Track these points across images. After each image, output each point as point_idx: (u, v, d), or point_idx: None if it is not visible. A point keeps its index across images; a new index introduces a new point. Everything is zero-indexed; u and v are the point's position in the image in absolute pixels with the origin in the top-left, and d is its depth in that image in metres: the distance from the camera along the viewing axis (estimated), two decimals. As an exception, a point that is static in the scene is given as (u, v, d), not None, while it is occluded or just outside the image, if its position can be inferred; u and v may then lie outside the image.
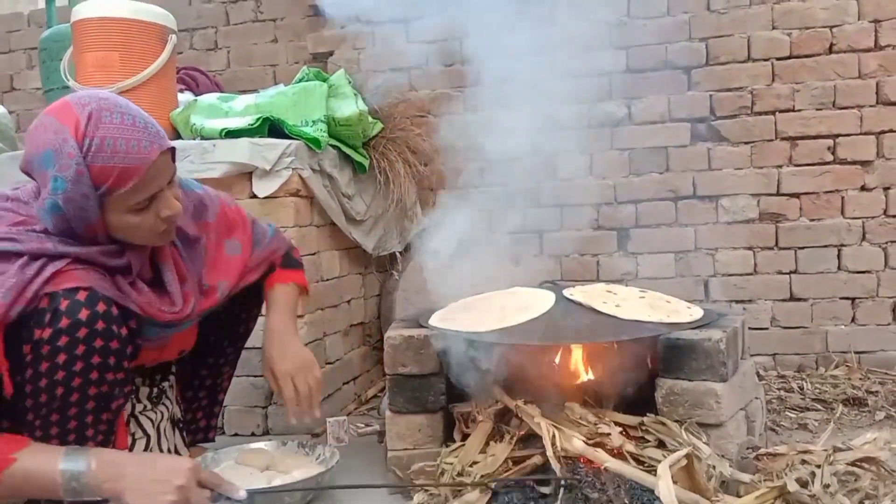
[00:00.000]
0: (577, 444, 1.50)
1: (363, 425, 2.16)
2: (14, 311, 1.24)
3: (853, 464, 1.46)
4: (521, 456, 1.57)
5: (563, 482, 1.44)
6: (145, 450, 1.58)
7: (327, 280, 2.44)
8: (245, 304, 1.78)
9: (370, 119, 2.55)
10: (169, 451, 1.66)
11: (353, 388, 2.60)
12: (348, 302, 2.62)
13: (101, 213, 1.33)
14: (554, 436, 1.50)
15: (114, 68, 2.30)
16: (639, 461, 1.49)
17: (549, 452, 1.47)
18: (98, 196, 1.30)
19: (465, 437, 1.70)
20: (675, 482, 1.35)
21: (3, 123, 2.77)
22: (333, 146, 2.43)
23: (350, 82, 2.55)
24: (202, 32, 3.47)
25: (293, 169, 2.18)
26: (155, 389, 1.65)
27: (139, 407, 1.59)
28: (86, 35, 2.32)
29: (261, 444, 1.84)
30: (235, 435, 2.22)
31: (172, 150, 1.39)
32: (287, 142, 2.20)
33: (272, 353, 1.67)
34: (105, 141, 1.29)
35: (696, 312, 1.74)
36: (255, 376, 2.23)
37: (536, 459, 1.55)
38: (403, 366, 1.73)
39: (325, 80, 2.50)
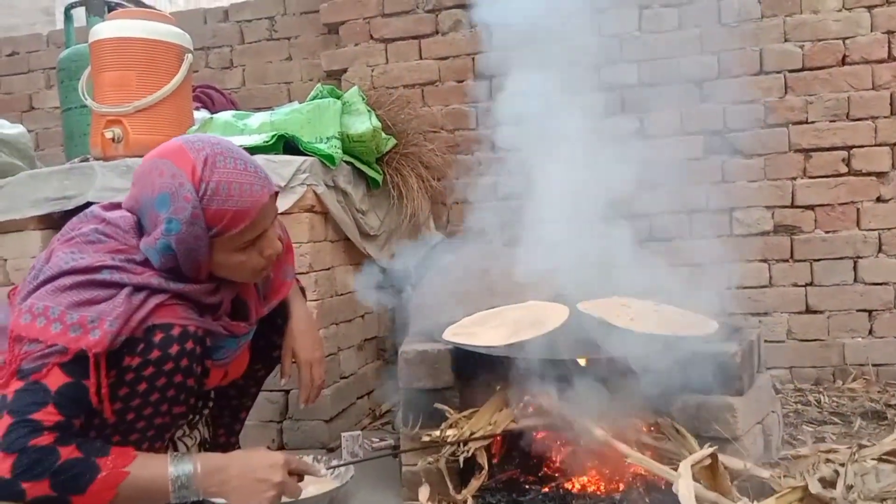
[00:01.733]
0: (598, 433, 1.49)
1: (378, 440, 2.17)
2: (119, 340, 1.28)
3: (880, 459, 1.44)
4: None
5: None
6: None
7: (342, 295, 2.46)
8: (282, 330, 1.78)
9: (384, 135, 2.56)
10: None
11: (367, 403, 2.60)
12: (362, 317, 2.63)
13: (209, 253, 1.37)
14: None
15: (131, 87, 2.34)
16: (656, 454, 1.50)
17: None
18: (210, 237, 1.35)
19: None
20: (697, 481, 1.34)
21: (22, 143, 2.81)
22: (347, 162, 2.45)
23: (364, 99, 2.57)
24: (217, 51, 3.52)
25: (308, 185, 2.20)
26: (196, 416, 1.67)
27: (179, 433, 1.61)
28: (103, 55, 2.36)
29: (276, 459, 1.84)
30: (251, 450, 2.23)
31: (276, 192, 1.45)
32: (302, 158, 2.22)
33: (301, 339, 1.71)
34: (220, 185, 1.34)
35: (710, 326, 1.73)
36: (271, 391, 2.24)
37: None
38: (418, 380, 1.73)
39: (338, 98, 2.52)
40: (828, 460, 1.46)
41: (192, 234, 1.33)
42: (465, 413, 1.68)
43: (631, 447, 1.50)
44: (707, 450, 1.40)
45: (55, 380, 1.24)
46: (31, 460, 1.20)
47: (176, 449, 1.59)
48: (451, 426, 1.65)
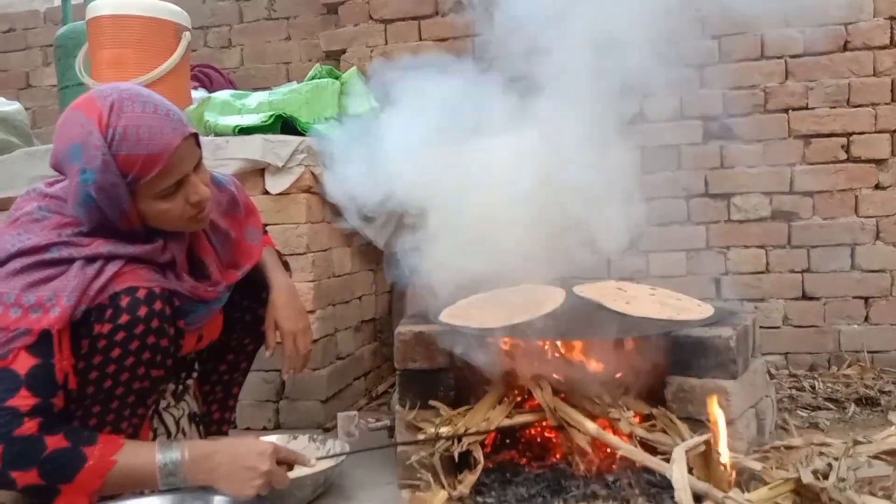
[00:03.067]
0: (591, 426, 1.50)
1: (373, 420, 2.17)
2: (79, 311, 1.29)
3: (875, 457, 1.44)
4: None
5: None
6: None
7: (339, 276, 2.46)
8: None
9: (382, 116, 2.55)
10: None
11: (363, 384, 2.61)
12: (359, 298, 2.64)
13: (132, 202, 1.35)
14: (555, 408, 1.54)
15: (128, 65, 2.33)
16: (648, 448, 1.50)
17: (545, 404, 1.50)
18: (127, 184, 1.33)
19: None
20: (690, 469, 1.34)
21: (19, 120, 2.80)
22: (345, 143, 2.44)
23: (363, 80, 2.56)
24: (216, 30, 3.50)
25: (305, 166, 2.20)
26: (180, 386, 1.68)
27: (163, 403, 1.61)
28: (101, 32, 2.35)
29: (272, 438, 1.85)
30: (247, 429, 2.24)
31: (196, 135, 1.41)
32: (300, 139, 2.21)
33: (283, 310, 1.70)
34: (129, 130, 1.30)
35: (706, 310, 1.74)
36: (267, 371, 2.25)
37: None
38: (413, 361, 1.74)
39: (337, 78, 2.51)
40: (821, 453, 1.46)
41: (108, 181, 1.31)
42: (460, 410, 1.67)
43: (624, 438, 1.50)
44: (701, 437, 1.40)
45: (23, 363, 1.25)
46: (18, 451, 1.23)
47: (162, 421, 1.59)
48: (446, 422, 1.64)
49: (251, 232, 1.69)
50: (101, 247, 1.35)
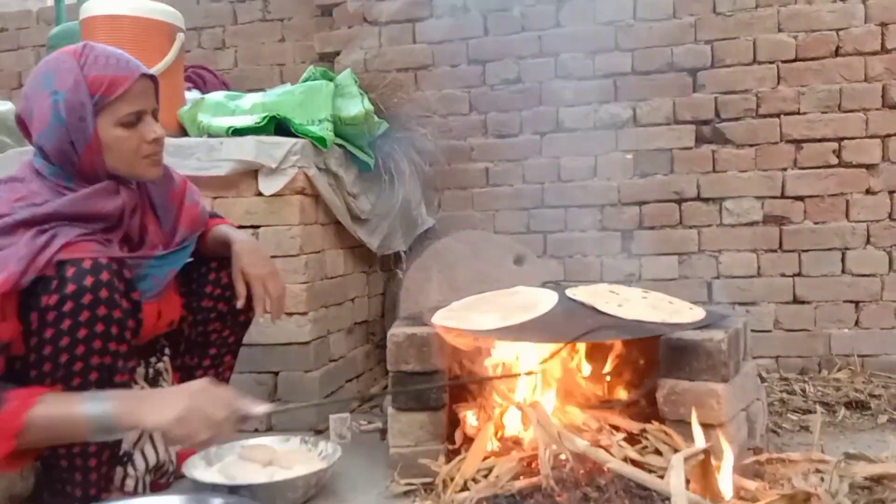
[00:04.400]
0: (580, 443, 1.50)
1: (366, 422, 2.16)
2: (26, 279, 1.31)
3: (872, 479, 1.44)
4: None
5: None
6: (139, 437, 1.61)
7: (332, 278, 2.46)
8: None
9: (376, 119, 2.56)
10: None
11: (356, 386, 2.61)
12: (352, 300, 2.64)
13: (95, 126, 1.44)
14: (548, 447, 1.50)
15: (122, 66, 2.31)
16: (641, 467, 1.49)
17: (544, 467, 1.46)
18: (93, 105, 1.43)
19: (466, 438, 1.73)
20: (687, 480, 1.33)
21: (11, 120, 2.79)
22: (339, 145, 2.44)
23: (356, 82, 2.56)
24: (210, 31, 3.49)
25: (299, 167, 2.19)
26: (151, 370, 1.68)
27: (136, 388, 1.61)
28: (94, 32, 2.34)
29: (264, 440, 1.85)
30: (239, 431, 2.23)
31: (156, 84, 1.55)
32: (293, 140, 2.21)
33: (247, 257, 1.71)
34: (99, 56, 1.46)
35: (697, 313, 1.75)
36: (259, 373, 2.24)
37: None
38: (406, 363, 1.74)
39: (331, 80, 2.51)
40: (818, 470, 1.46)
41: (77, 100, 1.42)
42: (454, 462, 1.63)
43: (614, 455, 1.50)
44: (700, 447, 1.38)
45: None
46: None
47: None
48: (443, 484, 1.58)
49: (193, 193, 1.75)
50: (54, 201, 1.41)
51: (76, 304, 1.34)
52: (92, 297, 1.35)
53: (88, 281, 1.35)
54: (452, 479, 1.56)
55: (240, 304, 1.71)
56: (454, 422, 1.77)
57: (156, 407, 1.31)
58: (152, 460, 1.63)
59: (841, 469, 1.42)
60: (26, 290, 1.33)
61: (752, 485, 1.45)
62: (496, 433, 1.71)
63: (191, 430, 1.30)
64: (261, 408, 1.43)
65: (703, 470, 1.37)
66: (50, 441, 1.35)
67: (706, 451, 1.36)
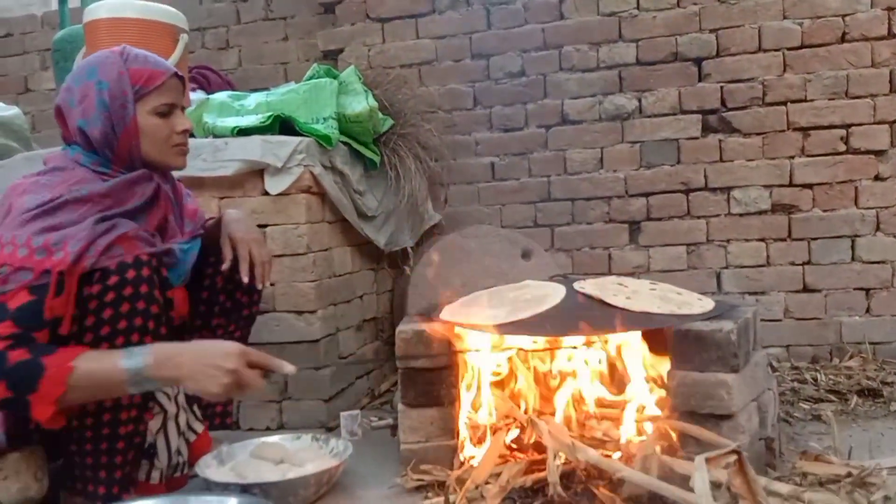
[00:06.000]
0: (591, 453, 1.49)
1: (376, 419, 2.18)
2: (88, 262, 1.39)
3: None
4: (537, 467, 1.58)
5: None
6: (162, 426, 1.64)
7: (340, 276, 2.46)
8: (246, 289, 1.83)
9: (380, 115, 2.56)
10: (184, 427, 1.71)
11: (366, 383, 2.62)
12: (361, 297, 2.64)
13: (134, 112, 1.55)
14: (557, 455, 1.49)
15: (126, 68, 2.32)
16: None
17: (552, 475, 1.45)
18: (134, 93, 1.55)
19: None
20: (728, 486, 1.30)
21: (18, 124, 2.80)
22: (344, 143, 2.44)
23: (360, 79, 2.56)
24: (213, 31, 3.50)
25: (305, 166, 2.20)
26: None
27: None
28: (98, 35, 2.35)
29: (275, 438, 1.85)
30: (250, 429, 2.24)
31: (184, 84, 1.66)
32: (298, 139, 2.21)
33: (233, 224, 1.79)
34: (138, 55, 1.60)
35: (706, 304, 1.74)
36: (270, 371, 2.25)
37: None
38: (415, 359, 1.74)
39: (335, 77, 2.51)
40: (864, 482, 1.41)
41: (120, 88, 1.54)
42: (465, 467, 1.63)
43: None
44: (728, 447, 1.34)
45: (18, 300, 1.34)
46: None
47: (157, 402, 1.62)
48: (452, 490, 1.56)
49: (187, 196, 1.82)
50: (100, 184, 1.50)
51: (118, 296, 1.40)
52: (132, 290, 1.41)
53: (130, 274, 1.41)
54: (464, 483, 1.55)
55: (225, 266, 1.75)
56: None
57: (199, 380, 1.39)
58: (171, 451, 1.65)
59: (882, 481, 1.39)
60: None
61: (784, 488, 1.40)
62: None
63: (201, 381, 1.39)
64: (288, 367, 1.51)
65: (741, 473, 1.32)
66: (90, 398, 1.40)
67: (738, 452, 1.33)
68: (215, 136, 2.29)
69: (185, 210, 1.77)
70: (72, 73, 1.62)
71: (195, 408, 1.77)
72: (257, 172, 2.22)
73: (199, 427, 1.76)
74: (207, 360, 1.40)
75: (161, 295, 1.49)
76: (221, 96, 2.52)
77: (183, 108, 1.67)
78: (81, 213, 1.44)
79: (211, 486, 1.59)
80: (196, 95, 2.63)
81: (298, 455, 1.74)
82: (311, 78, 2.53)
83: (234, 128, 2.26)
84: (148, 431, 1.59)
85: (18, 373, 1.30)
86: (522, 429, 1.71)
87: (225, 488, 1.57)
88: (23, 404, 1.32)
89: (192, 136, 2.07)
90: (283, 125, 2.29)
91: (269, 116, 2.26)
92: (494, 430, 1.72)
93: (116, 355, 1.38)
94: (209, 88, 2.96)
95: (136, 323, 1.42)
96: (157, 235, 1.60)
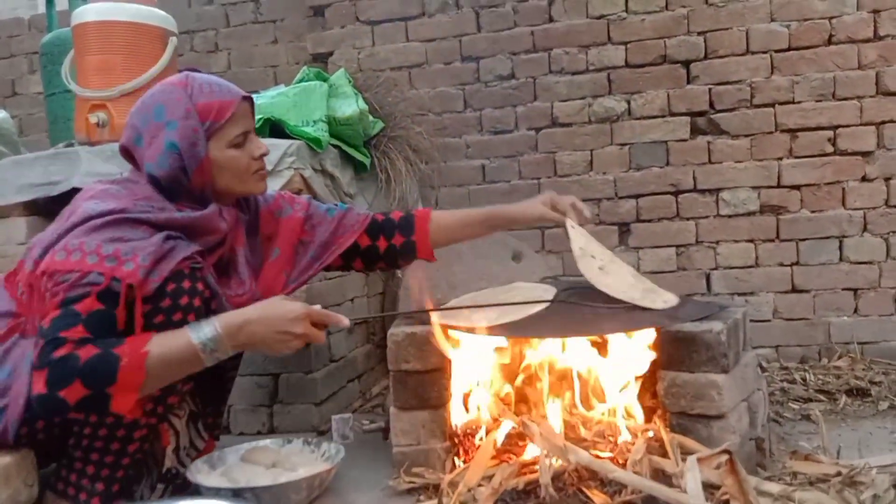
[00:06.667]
0: (583, 455, 1.49)
1: (368, 422, 2.18)
2: (153, 284, 1.37)
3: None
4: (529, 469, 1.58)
5: None
6: (175, 447, 1.64)
7: (331, 279, 2.45)
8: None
9: (371, 118, 2.56)
10: (192, 445, 1.72)
11: (357, 386, 2.61)
12: (352, 300, 2.63)
13: (207, 150, 1.51)
14: (550, 463, 1.49)
15: (115, 71, 2.31)
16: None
17: (544, 477, 1.45)
18: (205, 130, 1.51)
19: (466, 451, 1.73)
20: (717, 485, 1.31)
21: (6, 128, 2.78)
22: (335, 146, 2.44)
23: (350, 82, 2.56)
24: (202, 34, 3.49)
25: (295, 169, 2.19)
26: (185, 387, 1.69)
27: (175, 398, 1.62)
28: (86, 39, 2.34)
29: (266, 442, 1.85)
30: (241, 434, 2.24)
31: (252, 104, 1.62)
32: (288, 142, 2.21)
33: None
34: (203, 85, 1.54)
35: (670, 300, 1.73)
36: (260, 375, 2.24)
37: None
38: (406, 362, 1.74)
39: (325, 80, 2.50)
40: (853, 481, 1.43)
41: (190, 126, 1.49)
42: (458, 471, 1.61)
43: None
44: (720, 448, 1.37)
45: (88, 306, 1.33)
46: (58, 370, 1.28)
47: (171, 423, 1.62)
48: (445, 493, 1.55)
49: (285, 209, 1.79)
50: (173, 212, 1.48)
51: (166, 319, 1.39)
52: (181, 316, 1.41)
53: (184, 301, 1.41)
54: (456, 486, 1.55)
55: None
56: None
57: (271, 345, 1.44)
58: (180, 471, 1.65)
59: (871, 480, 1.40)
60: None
61: (775, 488, 1.42)
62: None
63: (274, 346, 1.44)
64: (345, 321, 1.53)
65: (733, 474, 1.34)
66: (169, 379, 1.41)
67: (730, 452, 1.34)
68: (205, 140, 2.28)
69: (280, 228, 1.74)
70: (136, 109, 1.56)
71: (199, 424, 1.77)
72: (247, 176, 2.21)
73: (201, 444, 1.75)
74: (278, 326, 1.42)
75: (209, 310, 1.47)
76: (211, 99, 2.50)
77: (256, 131, 1.64)
78: (146, 230, 1.42)
79: (202, 491, 1.58)
80: (185, 99, 2.62)
81: (290, 459, 1.74)
82: (300, 81, 2.53)
83: (224, 131, 2.25)
84: (166, 457, 1.60)
85: (94, 368, 1.29)
86: (515, 433, 1.71)
87: (216, 493, 1.56)
88: (102, 399, 1.30)
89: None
90: (272, 128, 2.29)
91: (259, 119, 2.26)
92: (487, 432, 1.72)
93: (183, 332, 1.38)
94: (198, 92, 2.95)
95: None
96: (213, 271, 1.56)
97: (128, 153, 1.56)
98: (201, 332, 1.39)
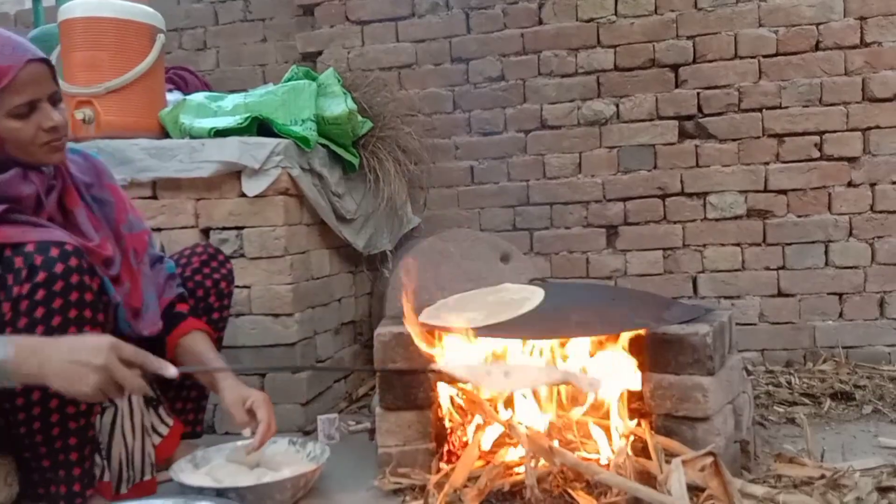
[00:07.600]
0: (569, 457, 1.49)
1: (354, 423, 2.17)
2: None
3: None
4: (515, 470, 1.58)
5: None
6: (113, 420, 1.60)
7: (318, 279, 2.45)
8: (218, 295, 1.85)
9: (360, 118, 2.55)
10: (144, 427, 1.68)
11: (343, 387, 2.60)
12: (339, 300, 2.63)
13: None
14: (535, 462, 1.49)
15: (102, 68, 2.30)
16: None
17: (529, 478, 1.45)
18: None
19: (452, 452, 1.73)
20: (702, 487, 1.31)
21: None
22: (323, 145, 2.43)
23: (339, 81, 2.55)
24: (191, 32, 3.47)
25: (282, 168, 2.18)
26: (155, 402, 1.67)
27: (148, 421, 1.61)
28: (73, 35, 2.32)
29: (251, 442, 1.83)
30: (226, 433, 2.22)
31: (51, 68, 1.46)
32: (276, 141, 2.20)
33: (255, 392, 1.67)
34: None
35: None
36: (246, 374, 2.23)
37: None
38: (393, 362, 1.73)
39: (314, 79, 2.50)
40: (837, 484, 1.45)
41: None
42: (443, 472, 1.61)
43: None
44: (705, 450, 1.38)
45: None
46: None
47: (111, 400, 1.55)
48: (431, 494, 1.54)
49: (133, 223, 1.68)
50: None
51: (48, 292, 1.35)
52: (64, 283, 1.35)
53: (59, 268, 1.35)
54: (442, 487, 1.55)
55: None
56: (442, 420, 1.77)
57: (64, 378, 1.24)
58: (130, 451, 1.63)
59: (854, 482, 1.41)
60: None
61: (759, 490, 1.42)
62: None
63: (68, 380, 1.24)
64: (171, 370, 1.34)
65: (717, 475, 1.35)
66: None
67: (714, 454, 1.35)
68: (192, 137, 2.27)
69: (120, 215, 1.66)
70: None
71: (161, 410, 1.75)
72: (234, 174, 2.20)
73: (165, 430, 1.74)
74: (74, 357, 1.23)
75: (93, 279, 1.41)
76: (198, 97, 2.49)
77: (53, 96, 1.47)
78: None
79: (185, 491, 1.57)
80: (173, 96, 2.61)
81: (275, 459, 1.73)
82: (289, 80, 2.52)
83: (212, 129, 2.24)
84: (99, 428, 1.56)
85: None
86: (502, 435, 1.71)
87: (200, 492, 1.55)
88: None
89: (167, 136, 2.03)
90: (260, 127, 2.28)
91: (247, 118, 2.25)
92: (474, 432, 1.72)
93: None
94: (186, 89, 2.94)
95: (71, 315, 1.37)
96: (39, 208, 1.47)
97: None
98: None
